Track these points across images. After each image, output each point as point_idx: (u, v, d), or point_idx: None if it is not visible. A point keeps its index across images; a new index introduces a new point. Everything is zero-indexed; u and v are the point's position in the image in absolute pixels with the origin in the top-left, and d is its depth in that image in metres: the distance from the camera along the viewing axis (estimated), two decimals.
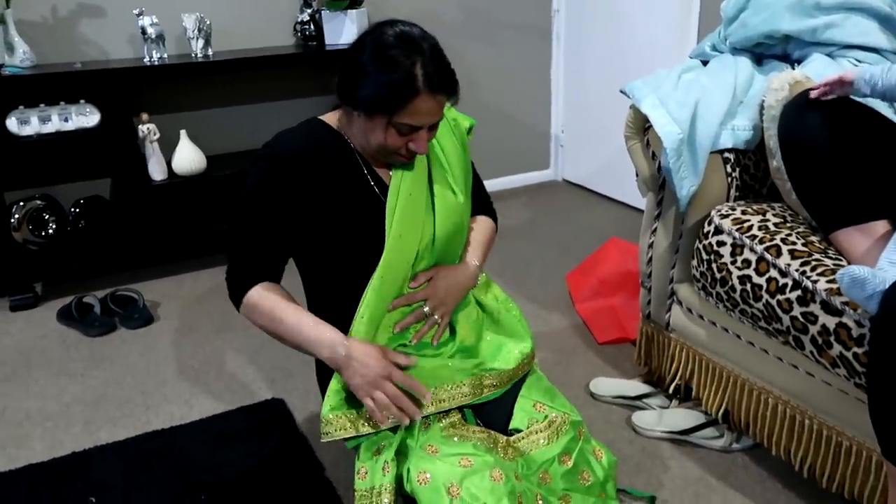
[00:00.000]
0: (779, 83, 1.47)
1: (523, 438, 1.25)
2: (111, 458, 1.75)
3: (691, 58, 1.88)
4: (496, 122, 3.72)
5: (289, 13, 3.06)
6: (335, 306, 1.24)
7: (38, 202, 2.70)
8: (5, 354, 2.32)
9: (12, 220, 2.62)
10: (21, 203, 2.66)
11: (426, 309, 1.24)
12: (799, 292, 1.31)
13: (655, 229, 1.76)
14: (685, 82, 1.62)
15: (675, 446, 1.72)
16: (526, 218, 3.43)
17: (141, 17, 2.65)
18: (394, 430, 1.19)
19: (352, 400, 1.19)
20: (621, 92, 1.74)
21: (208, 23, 2.77)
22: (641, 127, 1.70)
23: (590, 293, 2.41)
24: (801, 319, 1.31)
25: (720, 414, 1.66)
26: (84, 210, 2.80)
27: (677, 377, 1.78)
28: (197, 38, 2.75)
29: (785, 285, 1.34)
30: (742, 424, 1.61)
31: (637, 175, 1.79)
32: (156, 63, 2.68)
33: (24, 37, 2.62)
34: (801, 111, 1.38)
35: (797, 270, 1.33)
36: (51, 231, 2.73)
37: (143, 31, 2.66)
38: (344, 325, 1.20)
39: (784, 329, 1.37)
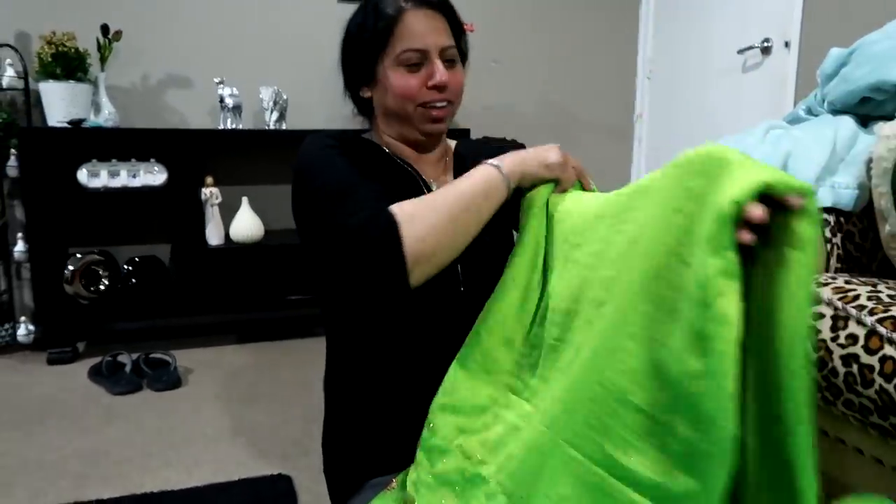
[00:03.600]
0: (891, 130, 1.24)
1: None
2: None
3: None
4: None
5: None
6: (368, 356, 1.04)
7: (96, 256, 2.69)
8: (25, 404, 2.21)
9: (66, 272, 2.61)
10: (78, 256, 2.65)
11: None
12: None
13: None
14: (774, 136, 1.41)
15: None
16: None
17: (221, 86, 2.72)
18: None
19: None
20: None
21: (285, 97, 2.82)
22: None
23: None
24: None
25: None
26: (137, 268, 2.77)
27: None
28: (272, 111, 2.79)
29: None
30: None
31: None
32: (227, 128, 2.72)
33: (113, 101, 2.73)
34: None
35: None
36: (102, 287, 2.70)
37: (221, 100, 2.73)
38: (373, 381, 0.99)
39: None
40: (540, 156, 0.96)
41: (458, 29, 1.07)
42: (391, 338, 0.92)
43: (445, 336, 1.02)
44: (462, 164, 1.16)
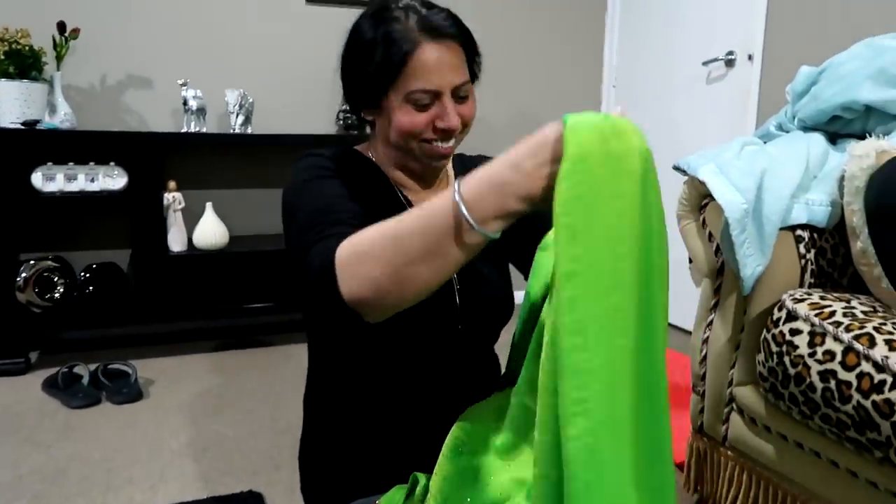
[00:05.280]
0: (862, 150, 1.27)
1: None
2: None
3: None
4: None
5: (333, 100, 3.05)
6: (355, 377, 1.01)
7: (51, 263, 2.58)
8: None
9: (18, 279, 2.50)
10: (32, 262, 2.55)
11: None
12: None
13: (711, 322, 1.49)
14: (749, 152, 1.43)
15: None
16: None
17: (185, 87, 2.64)
18: None
19: None
20: (674, 168, 1.55)
21: (251, 101, 2.76)
22: (697, 204, 1.49)
23: None
24: None
25: None
26: (94, 275, 2.67)
27: None
28: (237, 114, 2.73)
29: (882, 382, 1.06)
30: None
31: (690, 261, 1.56)
32: (191, 131, 2.64)
33: (70, 101, 2.63)
34: None
35: None
36: (57, 295, 2.59)
37: (185, 103, 2.65)
38: (353, 406, 0.95)
39: (882, 440, 1.07)
40: (521, 180, 0.66)
41: (472, 52, 1.03)
42: (381, 363, 0.89)
43: (439, 370, 1.01)
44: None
